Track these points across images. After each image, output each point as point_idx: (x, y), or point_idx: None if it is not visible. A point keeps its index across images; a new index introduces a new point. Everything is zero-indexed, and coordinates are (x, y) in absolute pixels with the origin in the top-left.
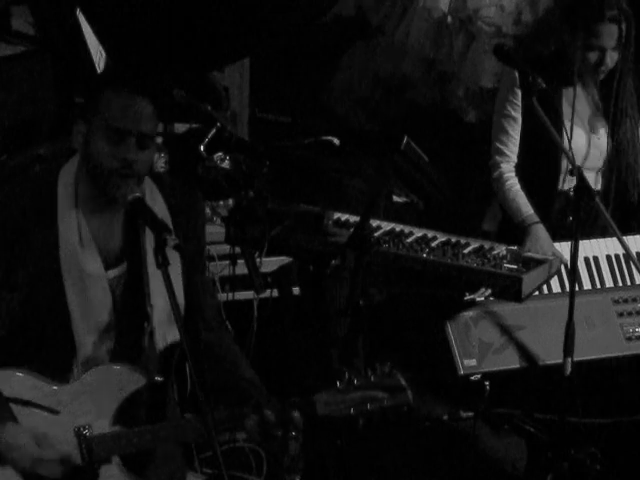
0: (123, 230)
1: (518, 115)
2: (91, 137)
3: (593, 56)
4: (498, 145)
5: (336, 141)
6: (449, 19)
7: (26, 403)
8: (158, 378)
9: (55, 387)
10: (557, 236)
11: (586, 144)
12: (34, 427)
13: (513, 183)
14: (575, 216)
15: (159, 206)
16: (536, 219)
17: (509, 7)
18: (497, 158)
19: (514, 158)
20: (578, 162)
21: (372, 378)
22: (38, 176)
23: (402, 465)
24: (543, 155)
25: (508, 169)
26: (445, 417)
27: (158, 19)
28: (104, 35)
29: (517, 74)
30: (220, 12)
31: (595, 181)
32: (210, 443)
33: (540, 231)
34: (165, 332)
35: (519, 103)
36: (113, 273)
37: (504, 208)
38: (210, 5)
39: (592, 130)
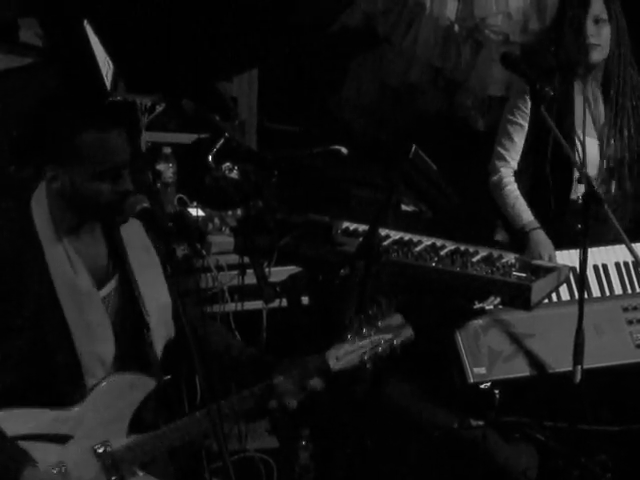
0: (106, 245)
1: (525, 123)
2: (81, 183)
3: (590, 29)
4: (500, 150)
5: (344, 150)
6: (456, 28)
7: (35, 437)
8: (166, 377)
9: (62, 412)
10: (570, 245)
11: (598, 152)
12: (51, 460)
13: (512, 189)
14: (584, 223)
15: None
16: (536, 225)
17: (516, 15)
18: (497, 162)
19: (514, 165)
20: (592, 172)
21: (378, 323)
22: (11, 213)
23: (412, 474)
24: (554, 164)
25: (507, 174)
26: (455, 426)
27: (166, 29)
28: (112, 46)
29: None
30: (228, 22)
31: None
32: (217, 438)
33: (540, 236)
34: (162, 334)
35: (527, 111)
36: (106, 290)
37: (503, 213)
38: (218, 15)
39: (604, 137)
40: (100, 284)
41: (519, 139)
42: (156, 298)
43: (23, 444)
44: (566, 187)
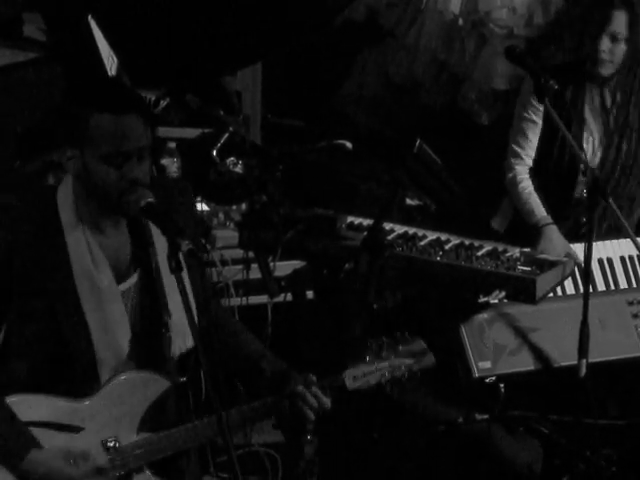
0: (130, 240)
1: (538, 119)
2: (91, 166)
3: (604, 44)
4: (515, 147)
5: (349, 145)
6: (460, 21)
7: (46, 425)
8: (182, 379)
9: (75, 404)
10: (577, 240)
11: (599, 155)
12: (59, 448)
13: (527, 185)
14: (588, 217)
15: None
16: (549, 220)
17: (521, 9)
18: (512, 160)
19: (529, 161)
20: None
21: (398, 347)
22: (37, 202)
23: (417, 468)
24: (561, 160)
25: (522, 171)
26: (460, 420)
27: (170, 24)
28: (116, 41)
29: None
30: (232, 17)
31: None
32: (225, 443)
33: (553, 232)
34: (183, 338)
35: (540, 107)
36: (125, 285)
37: (517, 209)
38: (222, 9)
39: (607, 140)
40: (120, 278)
41: (533, 136)
42: (179, 301)
43: (34, 430)
44: (570, 183)
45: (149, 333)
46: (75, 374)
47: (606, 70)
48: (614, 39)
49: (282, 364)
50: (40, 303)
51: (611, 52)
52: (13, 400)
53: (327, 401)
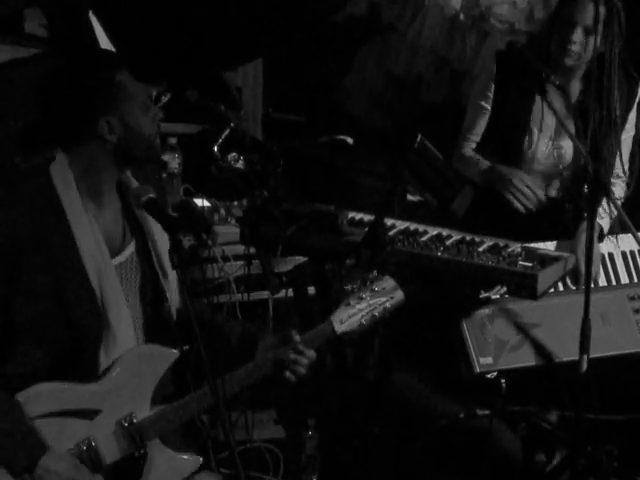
0: (123, 215)
1: (489, 106)
2: (133, 120)
3: (562, 31)
4: (465, 133)
5: (350, 140)
6: (462, 17)
7: (62, 414)
8: (185, 347)
9: (87, 387)
10: (528, 236)
11: (547, 151)
12: (80, 436)
13: (474, 154)
14: (589, 213)
15: None
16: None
17: (521, 4)
18: (461, 142)
19: (474, 145)
20: (538, 168)
21: (374, 287)
22: (31, 184)
23: (419, 463)
24: (506, 145)
25: (468, 147)
26: (461, 415)
27: (171, 19)
28: (117, 37)
29: (495, 68)
30: (233, 12)
31: (552, 187)
32: (227, 439)
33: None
34: (175, 304)
35: (492, 96)
36: (120, 259)
37: (472, 175)
38: (223, 5)
39: (557, 137)
40: (114, 253)
41: (483, 122)
42: (170, 269)
43: (53, 421)
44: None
45: (150, 306)
46: (85, 349)
47: (570, 61)
48: (587, 34)
49: (249, 328)
50: (47, 280)
51: (581, 44)
52: (23, 396)
53: (312, 354)
